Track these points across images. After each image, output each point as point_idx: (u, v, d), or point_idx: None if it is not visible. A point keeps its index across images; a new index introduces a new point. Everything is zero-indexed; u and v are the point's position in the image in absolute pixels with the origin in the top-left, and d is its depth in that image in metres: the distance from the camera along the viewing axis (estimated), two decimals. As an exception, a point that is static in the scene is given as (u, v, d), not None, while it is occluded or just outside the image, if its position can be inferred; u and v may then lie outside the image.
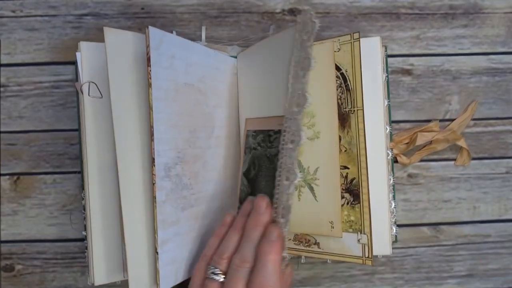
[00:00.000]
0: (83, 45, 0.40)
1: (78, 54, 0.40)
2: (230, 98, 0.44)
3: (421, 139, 0.47)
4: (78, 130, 0.43)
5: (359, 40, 0.40)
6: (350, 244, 0.40)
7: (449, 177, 0.49)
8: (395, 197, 0.45)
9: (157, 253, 0.35)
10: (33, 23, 0.48)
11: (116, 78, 0.37)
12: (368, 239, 0.39)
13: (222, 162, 0.43)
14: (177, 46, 0.38)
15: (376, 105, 0.43)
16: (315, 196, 0.41)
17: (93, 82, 0.40)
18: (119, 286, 0.46)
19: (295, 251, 0.43)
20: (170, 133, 0.37)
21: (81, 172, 0.44)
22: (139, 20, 0.48)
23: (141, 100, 0.38)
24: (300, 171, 0.42)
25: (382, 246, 0.43)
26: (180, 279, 0.38)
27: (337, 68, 0.41)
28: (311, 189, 0.41)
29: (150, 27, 0.34)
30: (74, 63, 0.47)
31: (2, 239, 0.48)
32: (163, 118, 0.36)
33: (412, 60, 0.49)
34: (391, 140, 0.46)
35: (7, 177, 0.48)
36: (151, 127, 0.35)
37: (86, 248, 0.41)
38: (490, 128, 0.49)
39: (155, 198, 0.35)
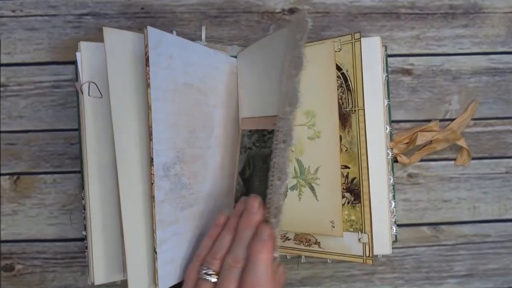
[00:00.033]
0: (83, 45, 0.40)
1: (78, 54, 0.40)
2: (230, 98, 0.44)
3: (421, 139, 0.47)
4: (78, 130, 0.43)
5: (360, 40, 0.40)
6: (350, 244, 0.40)
7: (449, 177, 0.49)
8: (395, 197, 0.45)
9: (155, 252, 0.35)
10: (33, 23, 0.48)
11: (115, 78, 0.37)
12: (369, 238, 0.40)
13: (222, 161, 0.43)
14: (176, 46, 0.38)
15: (376, 105, 0.43)
16: (315, 196, 0.41)
17: (93, 82, 0.40)
18: (119, 286, 0.46)
19: (296, 250, 0.43)
20: (169, 133, 0.37)
21: (81, 172, 0.44)
22: (139, 20, 0.48)
23: (140, 100, 0.38)
24: (301, 171, 0.42)
25: (382, 245, 0.43)
26: (178, 278, 0.38)
27: (338, 68, 0.41)
28: (312, 188, 0.41)
29: (148, 27, 0.35)
30: (74, 62, 0.47)
31: (2, 239, 0.48)
32: (162, 118, 0.36)
33: (412, 60, 0.49)
34: (391, 140, 0.46)
35: (7, 177, 0.48)
36: (149, 127, 0.35)
37: (86, 247, 0.41)
38: (490, 128, 0.49)
39: (154, 197, 0.35)
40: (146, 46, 0.35)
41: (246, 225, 0.35)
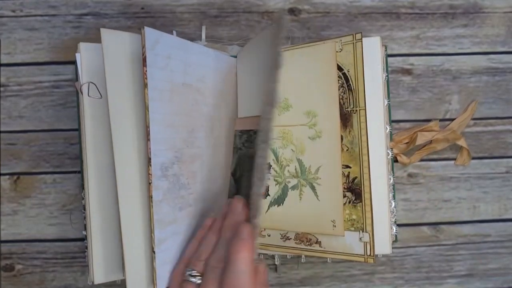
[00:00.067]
0: (82, 46, 0.40)
1: (77, 55, 0.40)
2: (230, 98, 0.44)
3: (421, 139, 0.47)
4: (78, 130, 0.43)
5: (361, 41, 0.40)
6: (352, 243, 0.40)
7: (449, 177, 0.49)
8: (395, 197, 0.45)
9: (154, 252, 0.35)
10: (33, 23, 0.48)
11: (113, 78, 0.37)
12: (370, 237, 0.40)
13: (220, 162, 0.43)
14: (174, 46, 0.38)
15: (376, 104, 0.43)
16: (317, 195, 0.41)
17: (92, 83, 0.40)
18: (118, 285, 0.46)
19: (296, 250, 0.43)
20: (167, 133, 0.37)
21: (81, 172, 0.44)
22: (139, 20, 0.48)
23: (137, 101, 0.38)
24: (302, 170, 0.42)
25: (382, 245, 0.43)
26: None
27: (339, 68, 0.41)
28: (313, 188, 0.41)
29: (146, 27, 0.34)
30: (74, 62, 0.47)
31: (2, 239, 0.48)
32: (160, 118, 0.36)
33: (412, 59, 0.49)
34: (391, 139, 0.46)
35: (7, 177, 0.48)
36: (147, 127, 0.35)
37: (86, 247, 0.41)
38: (490, 128, 0.49)
39: (152, 197, 0.35)
40: (143, 46, 0.35)
41: (230, 226, 0.35)
